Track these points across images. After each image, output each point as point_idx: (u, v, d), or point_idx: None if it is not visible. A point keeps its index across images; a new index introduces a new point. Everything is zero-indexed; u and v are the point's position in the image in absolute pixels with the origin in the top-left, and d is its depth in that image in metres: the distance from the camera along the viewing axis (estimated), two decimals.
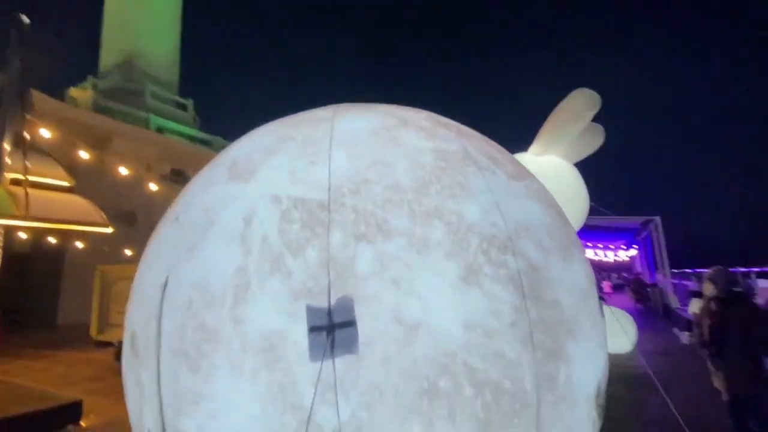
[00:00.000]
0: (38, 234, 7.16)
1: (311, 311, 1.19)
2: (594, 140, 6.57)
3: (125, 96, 20.11)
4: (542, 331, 1.32)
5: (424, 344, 1.18)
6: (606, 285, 22.61)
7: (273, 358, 1.18)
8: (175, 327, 1.35)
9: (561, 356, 1.35)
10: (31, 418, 4.00)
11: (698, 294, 8.55)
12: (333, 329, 1.17)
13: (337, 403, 1.14)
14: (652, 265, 17.14)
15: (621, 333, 5.75)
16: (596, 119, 6.24)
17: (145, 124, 19.78)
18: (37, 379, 6.43)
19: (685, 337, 8.45)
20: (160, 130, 20.52)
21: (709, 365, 3.84)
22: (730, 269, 3.93)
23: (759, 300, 4.58)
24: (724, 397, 3.73)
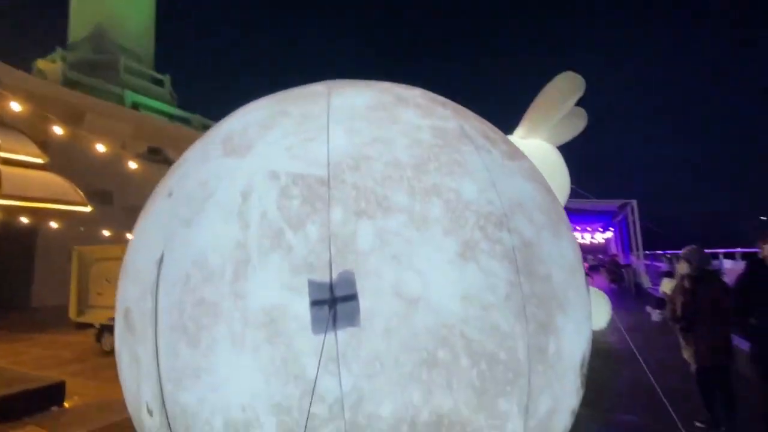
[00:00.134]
0: (9, 213, 6.87)
1: (313, 285, 1.21)
2: (577, 124, 6.67)
3: (97, 69, 19.15)
4: (534, 304, 1.38)
5: (424, 317, 1.22)
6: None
7: (275, 331, 1.20)
8: (172, 302, 1.35)
9: (551, 329, 1.42)
10: (14, 400, 3.93)
11: (669, 274, 8.96)
12: (335, 303, 1.19)
13: (339, 374, 1.17)
14: (627, 246, 17.79)
15: (596, 311, 6.01)
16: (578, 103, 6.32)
17: (120, 99, 18.95)
18: (17, 362, 6.29)
19: (656, 314, 8.86)
20: (135, 106, 19.72)
21: (680, 339, 4.08)
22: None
23: (726, 279, 4.83)
24: (693, 368, 3.98)
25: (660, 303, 8.27)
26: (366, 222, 1.27)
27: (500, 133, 1.89)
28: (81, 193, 6.58)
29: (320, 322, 1.19)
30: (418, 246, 1.27)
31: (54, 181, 6.39)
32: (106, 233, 9.67)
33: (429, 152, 1.45)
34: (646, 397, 4.65)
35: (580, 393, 1.66)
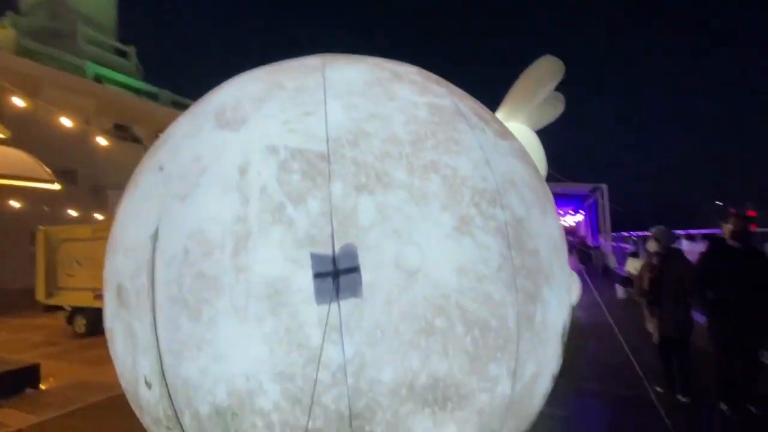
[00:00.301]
0: None
1: (316, 258, 1.23)
2: (555, 108, 6.83)
3: (54, 38, 17.87)
4: (524, 276, 1.45)
5: (423, 288, 1.27)
6: None
7: (279, 303, 1.22)
8: (171, 277, 1.34)
9: (538, 299, 1.51)
10: None
11: (635, 254, 9.46)
12: (338, 275, 1.23)
13: (342, 342, 1.22)
14: (596, 229, 18.57)
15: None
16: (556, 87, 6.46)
17: (80, 71, 17.80)
18: None
19: (621, 291, 9.39)
20: (98, 79, 18.60)
21: (645, 312, 4.37)
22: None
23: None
24: (655, 339, 4.29)
25: (625, 281, 8.76)
26: (367, 197, 1.30)
27: (490, 112, 1.93)
28: (48, 169, 6.24)
29: (323, 294, 1.22)
30: (417, 221, 1.31)
31: (18, 156, 6.01)
32: (72, 213, 9.24)
33: (426, 129, 1.48)
34: (612, 365, 5.00)
35: (560, 360, 1.78)
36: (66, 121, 6.27)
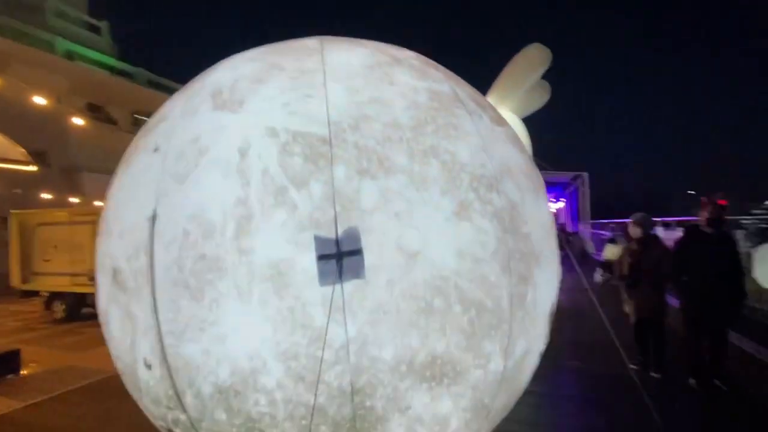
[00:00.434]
0: None
1: (319, 241, 1.25)
2: (542, 96, 6.91)
3: (20, 11, 16.85)
4: (517, 259, 1.51)
5: (423, 270, 1.31)
6: None
7: (283, 284, 1.24)
8: (171, 259, 1.34)
9: (530, 281, 1.57)
10: None
11: (613, 240, 9.77)
12: (341, 257, 1.25)
13: (345, 322, 1.25)
14: (576, 216, 19.05)
15: None
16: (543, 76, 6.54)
17: (50, 47, 16.89)
18: None
19: (598, 276, 9.72)
20: (69, 56, 17.70)
21: (623, 295, 4.57)
22: None
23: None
24: (632, 320, 4.50)
25: (604, 266, 9.06)
26: (369, 181, 1.32)
27: (486, 100, 1.96)
28: (24, 150, 5.96)
29: (327, 276, 1.24)
30: (418, 205, 1.34)
31: None
32: (46, 196, 8.91)
33: (426, 114, 1.49)
34: (590, 344, 5.22)
35: (547, 339, 1.87)
36: (38, 100, 5.99)
